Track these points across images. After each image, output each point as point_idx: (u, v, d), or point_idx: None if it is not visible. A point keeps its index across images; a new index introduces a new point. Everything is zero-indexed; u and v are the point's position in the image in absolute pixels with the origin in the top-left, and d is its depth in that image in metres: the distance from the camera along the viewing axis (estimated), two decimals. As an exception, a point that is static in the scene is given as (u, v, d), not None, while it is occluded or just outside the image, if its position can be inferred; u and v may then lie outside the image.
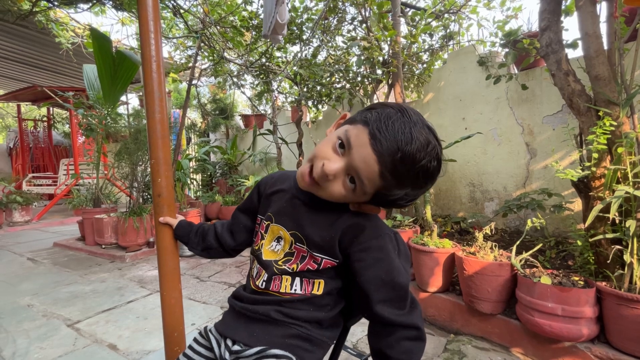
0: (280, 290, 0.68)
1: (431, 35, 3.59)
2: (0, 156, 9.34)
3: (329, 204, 0.66)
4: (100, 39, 3.45)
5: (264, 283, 0.70)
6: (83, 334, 1.92)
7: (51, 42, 4.57)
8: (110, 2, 3.67)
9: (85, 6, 3.65)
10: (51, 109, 8.50)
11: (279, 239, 0.71)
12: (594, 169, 1.58)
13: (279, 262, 0.69)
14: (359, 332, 1.85)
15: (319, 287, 0.68)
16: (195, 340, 0.76)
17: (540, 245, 1.90)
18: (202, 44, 4.03)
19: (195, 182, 5.85)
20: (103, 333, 1.93)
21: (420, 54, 3.58)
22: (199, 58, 4.25)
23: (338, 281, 0.69)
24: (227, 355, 0.68)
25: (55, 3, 3.51)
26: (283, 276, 0.68)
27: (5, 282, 2.84)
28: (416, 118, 0.57)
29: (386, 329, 0.62)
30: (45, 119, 8.88)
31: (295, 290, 0.68)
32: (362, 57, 2.92)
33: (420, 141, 0.55)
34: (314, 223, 0.67)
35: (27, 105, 9.10)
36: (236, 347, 0.67)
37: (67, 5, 3.58)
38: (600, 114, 1.56)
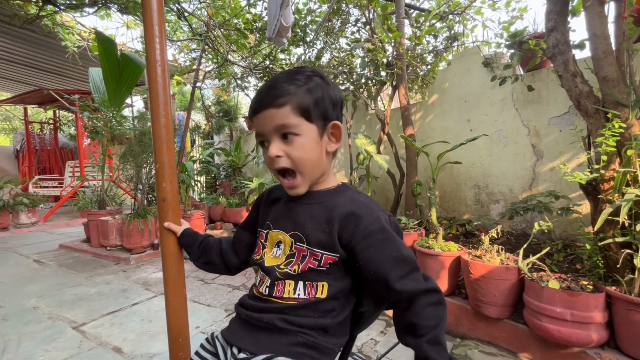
0: (284, 296, 0.69)
1: (435, 37, 3.58)
2: (7, 158, 9.44)
3: (319, 197, 0.71)
4: (105, 42, 3.48)
5: (267, 289, 0.70)
6: (88, 337, 1.92)
7: (57, 45, 4.62)
8: (116, 6, 3.70)
9: (91, 10, 3.68)
10: (57, 111, 8.60)
11: (279, 243, 0.73)
12: (602, 171, 1.56)
13: (281, 266, 0.70)
14: (363, 336, 1.84)
15: (322, 291, 0.68)
16: (202, 346, 0.77)
17: (548, 248, 1.87)
18: (206, 47, 4.05)
19: (199, 184, 5.87)
20: (108, 336, 1.93)
21: (425, 55, 3.57)
22: (203, 60, 4.27)
23: (344, 282, 0.69)
24: None
25: (61, 7, 3.54)
26: (286, 281, 0.69)
27: (11, 284, 2.86)
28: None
29: (409, 300, 0.63)
30: (51, 121, 8.98)
31: (298, 294, 0.68)
32: (366, 59, 2.91)
33: (279, 73, 0.69)
34: (311, 218, 0.70)
35: (33, 108, 9.22)
36: (242, 355, 0.68)
37: (73, 9, 3.62)
38: (609, 115, 1.53)
